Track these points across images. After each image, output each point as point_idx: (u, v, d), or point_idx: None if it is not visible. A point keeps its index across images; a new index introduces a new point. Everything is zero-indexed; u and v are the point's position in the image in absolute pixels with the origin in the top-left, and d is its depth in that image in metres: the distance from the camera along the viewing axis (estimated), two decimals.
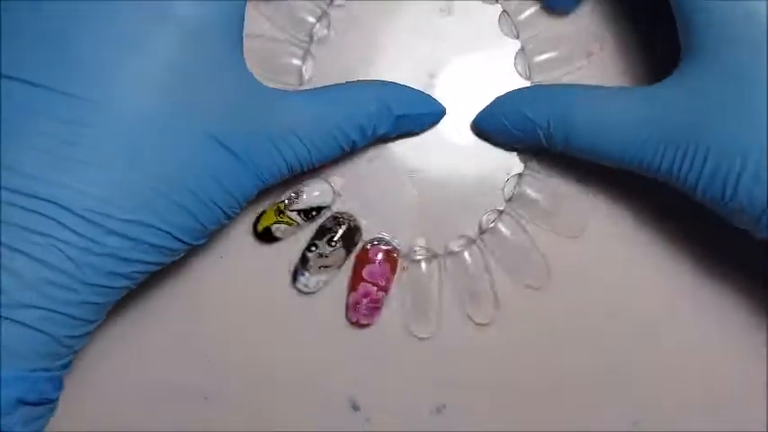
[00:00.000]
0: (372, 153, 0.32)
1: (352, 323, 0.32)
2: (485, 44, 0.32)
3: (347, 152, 0.29)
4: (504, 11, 0.32)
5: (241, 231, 0.32)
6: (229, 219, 0.27)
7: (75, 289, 0.24)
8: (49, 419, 0.27)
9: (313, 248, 0.31)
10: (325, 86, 0.29)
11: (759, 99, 0.24)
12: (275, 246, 0.32)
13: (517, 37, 0.32)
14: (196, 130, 0.24)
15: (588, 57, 0.32)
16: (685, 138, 0.26)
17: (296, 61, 0.32)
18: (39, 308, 0.23)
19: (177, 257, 0.27)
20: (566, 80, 0.32)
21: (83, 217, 0.23)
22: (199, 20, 0.24)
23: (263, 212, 0.31)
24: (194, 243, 0.26)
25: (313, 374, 0.32)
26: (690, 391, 0.32)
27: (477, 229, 0.32)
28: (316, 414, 0.32)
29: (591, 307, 0.32)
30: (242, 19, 0.26)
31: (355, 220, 0.32)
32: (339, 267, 0.31)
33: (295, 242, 0.32)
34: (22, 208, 0.23)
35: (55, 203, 0.23)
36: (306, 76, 0.32)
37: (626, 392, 0.32)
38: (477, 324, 0.32)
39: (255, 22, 0.32)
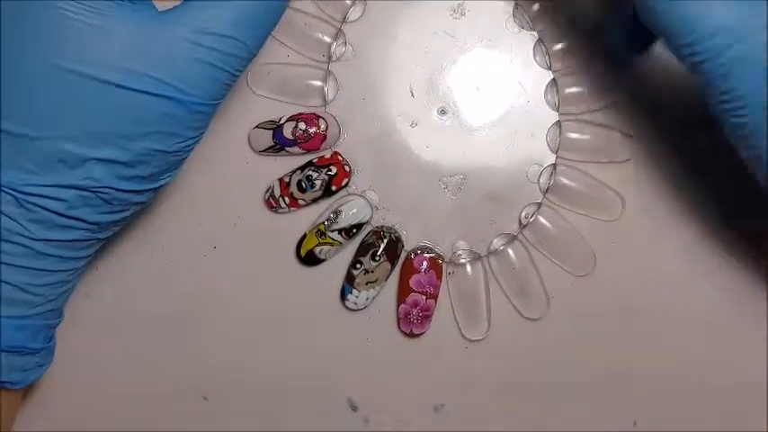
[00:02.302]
0: (404, 163, 0.32)
1: (406, 334, 0.32)
2: (500, 41, 0.32)
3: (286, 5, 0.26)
4: (516, 4, 0.32)
5: (285, 256, 0.32)
6: (183, 153, 0.26)
7: (25, 244, 0.25)
8: (39, 374, 0.27)
9: (358, 265, 0.31)
10: None
11: None
12: (320, 267, 0.32)
13: (532, 29, 0.32)
14: (96, 82, 0.23)
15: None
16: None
17: (318, 83, 0.32)
18: None
19: (145, 199, 0.26)
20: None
21: (13, 189, 0.24)
22: None
23: (305, 236, 0.31)
24: (150, 186, 0.26)
25: (312, 375, 0.32)
26: (690, 391, 0.32)
27: (517, 224, 0.32)
28: (314, 414, 0.32)
29: (598, 309, 0.32)
30: None
31: (396, 231, 0.32)
32: (385, 280, 0.32)
33: (340, 261, 0.32)
34: None
35: None
36: (329, 97, 0.32)
37: (626, 392, 0.32)
38: (528, 319, 0.32)
39: (273, 48, 0.32)
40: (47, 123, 0.24)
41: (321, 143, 0.31)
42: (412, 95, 0.32)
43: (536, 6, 0.32)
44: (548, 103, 0.32)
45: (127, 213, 0.27)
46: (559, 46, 0.32)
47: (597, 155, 0.32)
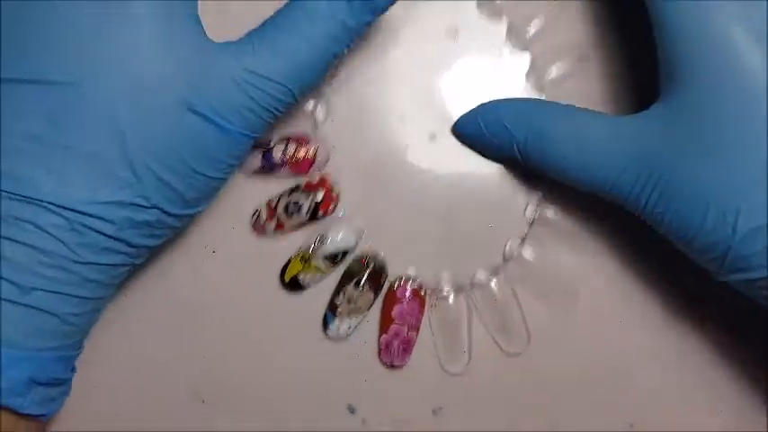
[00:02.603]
0: (393, 190, 0.32)
1: (386, 365, 0.32)
2: (494, 64, 0.32)
3: (337, 59, 0.27)
4: (510, 24, 0.32)
5: (268, 281, 0.32)
6: (220, 181, 0.27)
7: (71, 269, 0.25)
8: (63, 402, 0.27)
9: (341, 294, 0.31)
10: (279, 11, 0.27)
11: (735, 138, 0.24)
12: (303, 294, 0.32)
13: (527, 48, 0.32)
14: (164, 102, 0.25)
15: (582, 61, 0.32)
16: (658, 171, 0.26)
17: (309, 106, 0.31)
18: (39, 289, 0.24)
19: (181, 225, 0.27)
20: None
21: (65, 207, 0.24)
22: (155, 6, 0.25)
23: (289, 261, 0.31)
24: (189, 212, 0.27)
25: (310, 376, 0.32)
26: (688, 393, 0.32)
27: (501, 257, 0.32)
28: (312, 417, 0.32)
29: (599, 309, 0.32)
30: None
31: (380, 260, 0.31)
32: (368, 309, 0.31)
33: (323, 289, 0.32)
34: (11, 200, 0.24)
35: (38, 198, 0.24)
36: (320, 120, 0.31)
37: (622, 394, 0.32)
38: (509, 354, 0.32)
39: None
40: (117, 138, 0.24)
41: (309, 167, 0.31)
42: (402, 122, 0.32)
43: (531, 30, 0.32)
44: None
45: (164, 239, 0.27)
46: (554, 70, 0.32)
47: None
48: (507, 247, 0.32)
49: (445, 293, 0.32)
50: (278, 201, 0.31)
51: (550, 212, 0.32)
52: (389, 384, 0.32)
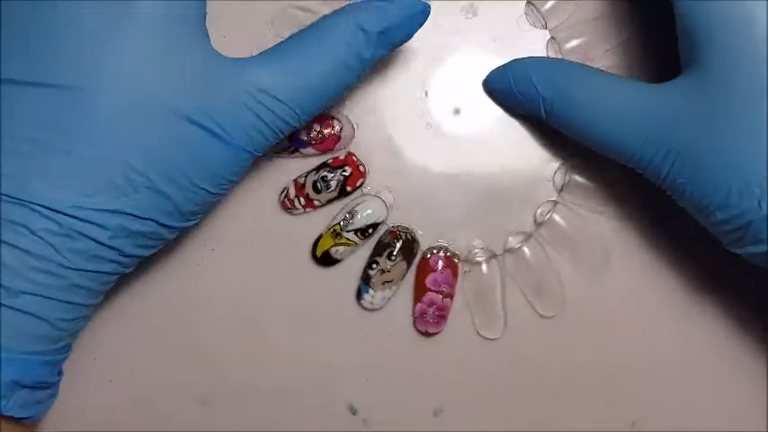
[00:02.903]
0: (419, 163, 0.32)
1: (422, 333, 0.32)
2: (513, 40, 0.32)
3: (348, 89, 0.28)
4: (528, 2, 0.32)
5: (301, 257, 0.32)
6: (219, 196, 0.27)
7: (61, 274, 0.25)
8: (49, 406, 0.27)
9: (374, 265, 0.31)
10: (295, 34, 0.27)
11: (755, 113, 0.24)
12: (336, 268, 0.32)
13: (545, 27, 0.32)
14: (167, 113, 0.24)
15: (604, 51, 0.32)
16: (681, 142, 0.26)
17: None
18: (28, 293, 0.24)
19: (172, 237, 0.27)
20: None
21: (59, 211, 0.24)
22: (155, 12, 0.24)
23: (320, 237, 0.32)
24: (184, 225, 0.27)
25: (311, 377, 0.32)
26: (689, 392, 0.32)
27: (533, 222, 0.32)
28: (313, 417, 0.32)
29: (598, 308, 0.32)
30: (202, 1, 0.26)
31: (411, 231, 0.32)
32: (401, 279, 0.32)
33: (355, 261, 0.32)
34: (4, 203, 0.24)
35: (33, 201, 0.24)
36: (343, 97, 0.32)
37: (625, 393, 0.32)
38: (544, 317, 0.32)
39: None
40: (118, 146, 0.24)
41: (335, 144, 0.32)
42: (426, 96, 0.32)
43: (549, 4, 0.32)
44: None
45: (154, 250, 0.27)
46: (573, 43, 0.32)
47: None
48: (538, 213, 0.32)
49: (478, 260, 0.32)
50: (305, 178, 0.32)
51: (580, 177, 0.32)
52: (390, 384, 0.32)
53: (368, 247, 0.32)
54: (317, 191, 0.31)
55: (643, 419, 0.32)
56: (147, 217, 0.25)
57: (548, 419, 0.32)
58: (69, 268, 0.25)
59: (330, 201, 0.32)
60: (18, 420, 0.26)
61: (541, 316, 0.32)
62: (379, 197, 0.32)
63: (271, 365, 0.32)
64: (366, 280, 0.31)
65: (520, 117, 0.32)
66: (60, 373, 0.28)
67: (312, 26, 0.27)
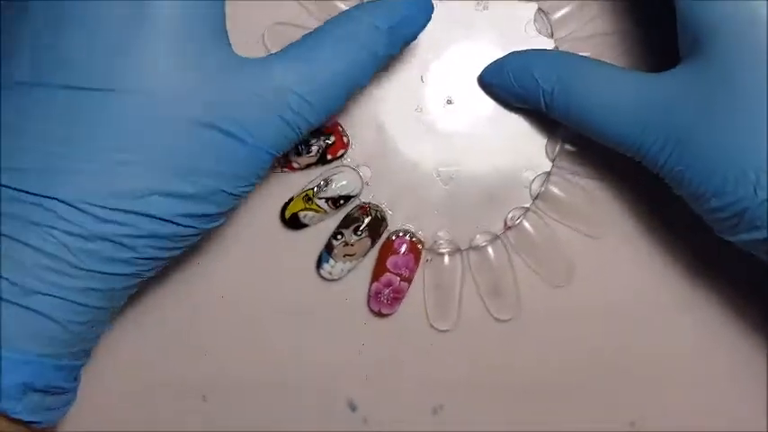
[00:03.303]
0: (403, 146, 0.32)
1: (374, 312, 0.32)
2: (517, 42, 0.32)
3: (359, 89, 0.28)
4: (539, 9, 0.32)
5: (268, 216, 0.32)
6: (240, 198, 0.27)
7: (74, 275, 0.24)
8: (64, 413, 0.27)
9: (339, 236, 0.31)
10: (308, 34, 0.27)
11: (756, 103, 0.25)
12: (301, 232, 0.32)
13: (551, 36, 0.32)
14: (190, 117, 0.25)
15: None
16: (679, 129, 0.26)
17: None
18: (40, 293, 0.24)
19: (194, 240, 0.27)
20: None
21: (75, 207, 0.24)
22: (175, 15, 0.25)
23: (292, 199, 0.32)
24: (205, 227, 0.26)
25: (311, 374, 0.32)
26: (689, 392, 0.32)
27: (502, 225, 0.32)
28: (313, 414, 0.32)
29: (598, 308, 0.32)
30: (221, 2, 0.26)
31: (382, 210, 0.32)
32: (363, 256, 0.32)
33: (322, 229, 0.32)
34: (20, 201, 0.24)
35: (49, 197, 0.24)
36: None
37: (623, 393, 0.32)
38: (498, 320, 0.32)
39: (289, 7, 0.32)
40: (142, 149, 0.24)
41: None
42: (422, 81, 0.33)
43: (559, 13, 0.32)
44: None
45: (175, 253, 0.27)
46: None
47: (596, 170, 0.32)
48: (509, 216, 0.32)
49: (442, 251, 0.32)
50: None
51: (556, 189, 0.32)
52: (390, 383, 0.32)
53: (337, 219, 0.32)
54: (297, 153, 0.31)
55: (642, 419, 0.32)
56: (165, 218, 0.25)
57: (547, 419, 0.32)
58: (83, 269, 0.24)
59: (309, 165, 0.32)
60: (28, 425, 0.25)
61: (496, 319, 0.32)
62: (356, 170, 0.32)
63: (271, 362, 0.32)
64: (329, 249, 0.32)
65: (511, 115, 0.32)
66: (77, 379, 0.27)
67: (326, 25, 0.27)
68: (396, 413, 0.32)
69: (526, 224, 0.32)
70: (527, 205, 0.32)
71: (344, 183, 0.32)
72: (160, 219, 0.25)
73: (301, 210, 0.32)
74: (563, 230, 0.32)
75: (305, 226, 0.32)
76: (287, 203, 0.32)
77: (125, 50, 0.24)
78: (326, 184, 0.32)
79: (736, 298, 0.32)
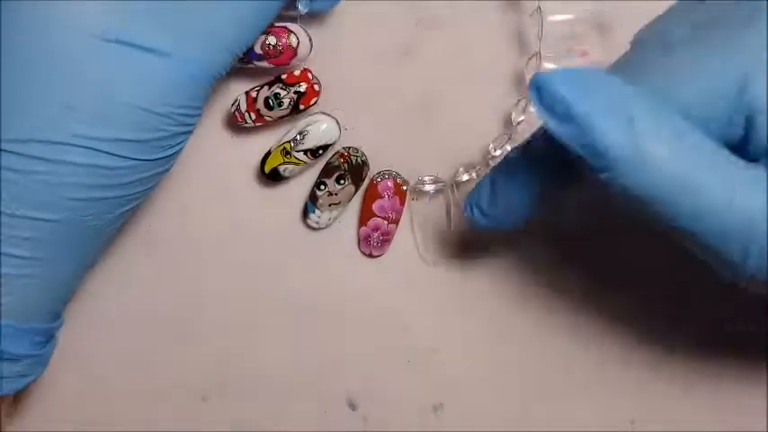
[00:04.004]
0: (376, 87, 0.31)
1: (365, 255, 0.33)
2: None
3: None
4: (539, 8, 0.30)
5: (248, 172, 0.32)
6: (180, 124, 0.25)
7: (5, 223, 0.24)
8: (22, 385, 0.26)
9: (322, 186, 0.31)
10: None
11: None
12: (283, 185, 0.32)
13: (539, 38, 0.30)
14: (96, 33, 0.23)
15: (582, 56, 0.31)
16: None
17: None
18: None
19: (138, 176, 0.25)
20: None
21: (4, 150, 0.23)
22: None
23: (269, 153, 0.31)
24: (142, 158, 0.25)
25: (311, 373, 0.33)
26: (689, 391, 0.33)
27: (484, 155, 0.32)
28: (313, 413, 0.33)
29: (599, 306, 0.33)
30: None
31: (362, 154, 0.32)
32: (348, 202, 0.32)
33: (304, 181, 0.32)
34: None
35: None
36: (302, 9, 0.30)
37: (623, 392, 0.33)
38: (487, 251, 0.33)
39: None
40: (49, 74, 0.23)
41: (291, 59, 0.30)
42: (387, 20, 0.31)
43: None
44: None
45: (119, 199, 0.25)
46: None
47: None
48: (490, 147, 0.32)
49: (426, 189, 0.32)
50: (258, 92, 0.31)
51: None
52: (390, 382, 0.33)
53: (318, 168, 0.32)
54: (268, 107, 0.31)
55: (642, 418, 0.33)
56: (97, 148, 0.24)
57: (547, 418, 0.33)
58: (10, 215, 0.24)
59: (282, 118, 0.31)
60: None
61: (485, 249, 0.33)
62: (332, 117, 0.31)
63: (270, 362, 0.33)
64: (313, 200, 0.32)
65: (487, 41, 0.31)
66: (39, 347, 0.26)
67: None
68: (395, 412, 0.33)
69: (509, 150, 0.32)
70: (508, 133, 0.32)
71: (321, 131, 0.31)
72: (81, 147, 0.23)
73: (280, 164, 0.31)
74: None
75: (286, 179, 0.32)
76: (264, 158, 0.31)
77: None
78: (303, 136, 0.31)
79: (736, 298, 0.31)
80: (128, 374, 0.33)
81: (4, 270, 0.24)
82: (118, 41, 0.23)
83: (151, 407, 0.33)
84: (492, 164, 0.32)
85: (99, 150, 0.24)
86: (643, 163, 0.19)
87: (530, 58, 0.31)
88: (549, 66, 0.31)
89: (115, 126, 0.24)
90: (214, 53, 0.25)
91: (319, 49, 0.31)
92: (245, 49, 0.27)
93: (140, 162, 0.25)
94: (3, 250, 0.24)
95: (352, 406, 0.33)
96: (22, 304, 0.25)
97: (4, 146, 0.23)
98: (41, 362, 0.27)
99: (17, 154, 0.23)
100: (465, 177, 0.32)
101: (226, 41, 0.25)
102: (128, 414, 0.33)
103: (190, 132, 0.26)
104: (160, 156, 0.25)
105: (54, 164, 0.23)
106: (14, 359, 0.25)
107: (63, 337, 0.29)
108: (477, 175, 0.32)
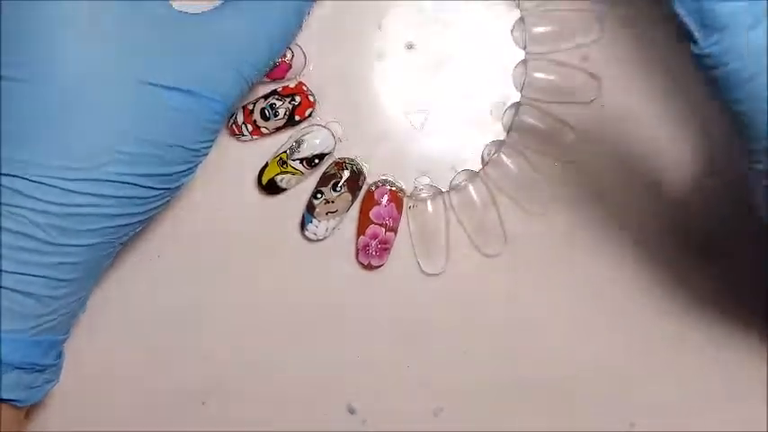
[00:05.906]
0: (370, 96, 0.32)
1: (364, 266, 0.32)
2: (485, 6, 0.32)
3: (303, 23, 0.28)
4: (521, 19, 0.32)
5: (246, 185, 0.32)
6: (200, 154, 0.27)
7: (45, 251, 0.24)
8: (46, 391, 0.27)
9: (319, 195, 0.31)
10: None
11: None
12: (281, 196, 0.32)
13: (524, 48, 0.32)
14: (130, 79, 0.24)
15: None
16: None
17: None
18: (14, 273, 0.24)
19: (161, 203, 0.27)
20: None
21: (36, 182, 0.24)
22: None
23: (266, 165, 0.32)
24: (168, 187, 0.26)
25: (310, 377, 0.32)
26: (689, 391, 0.32)
27: (479, 162, 0.32)
28: (312, 417, 0.33)
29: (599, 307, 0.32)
30: None
31: (358, 163, 0.32)
32: (346, 212, 0.32)
33: (301, 191, 0.32)
34: None
35: (9, 175, 0.24)
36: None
37: (623, 393, 0.32)
38: (486, 255, 0.32)
39: None
40: (86, 120, 0.24)
41: (286, 72, 0.31)
42: (379, 29, 0.32)
43: (538, 30, 0.32)
44: (515, 40, 0.32)
45: (143, 218, 0.26)
46: (540, 76, 0.32)
47: (562, 95, 0.32)
48: (485, 152, 0.32)
49: (423, 196, 0.32)
50: (254, 105, 0.31)
51: (528, 118, 0.32)
52: (390, 384, 0.33)
53: (314, 178, 0.32)
54: (264, 118, 0.31)
55: (642, 419, 0.33)
56: (125, 182, 0.25)
57: (547, 420, 0.33)
58: (53, 244, 0.24)
59: (278, 129, 0.32)
60: (7, 402, 0.25)
61: (484, 254, 0.32)
62: (327, 128, 0.32)
63: (269, 366, 0.32)
64: (310, 210, 0.32)
65: (473, 52, 0.32)
66: (59, 357, 0.27)
67: None
68: (395, 416, 0.33)
69: (503, 157, 0.32)
70: (502, 138, 0.32)
71: (317, 141, 0.31)
72: (120, 183, 0.25)
73: (277, 174, 0.31)
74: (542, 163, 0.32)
75: (283, 190, 0.32)
76: (262, 169, 0.32)
77: (50, 27, 0.24)
78: (299, 145, 0.31)
79: (736, 297, 0.32)
80: (126, 377, 0.32)
81: (49, 292, 0.25)
82: (151, 84, 0.25)
83: (151, 411, 0.32)
84: (487, 169, 0.32)
85: (134, 184, 0.25)
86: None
87: (515, 67, 0.32)
88: (538, 75, 0.32)
89: (152, 163, 0.25)
90: (235, 86, 0.26)
91: (316, 62, 0.32)
92: (260, 77, 0.28)
93: (167, 190, 0.26)
94: (48, 274, 0.25)
95: (351, 410, 0.33)
96: (60, 322, 0.26)
97: (50, 181, 0.24)
98: (60, 366, 0.28)
99: (60, 189, 0.24)
100: (462, 183, 0.32)
101: (245, 72, 0.26)
102: (126, 418, 0.32)
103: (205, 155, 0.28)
104: (182, 182, 0.27)
105: (95, 197, 0.25)
106: (43, 369, 0.26)
107: None
108: (473, 183, 0.32)
